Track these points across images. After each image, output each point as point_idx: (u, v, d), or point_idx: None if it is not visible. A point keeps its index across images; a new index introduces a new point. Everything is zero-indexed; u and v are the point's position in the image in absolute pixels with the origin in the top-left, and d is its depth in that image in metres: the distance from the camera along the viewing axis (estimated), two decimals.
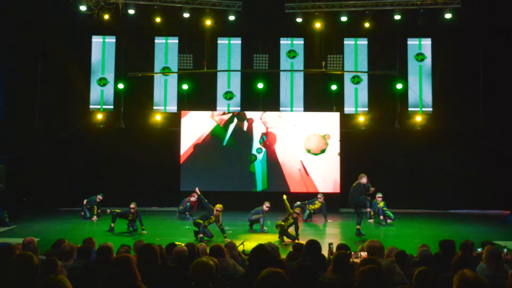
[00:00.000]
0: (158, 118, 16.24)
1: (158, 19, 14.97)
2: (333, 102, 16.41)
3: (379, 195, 13.34)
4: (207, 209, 11.02)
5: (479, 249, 6.33)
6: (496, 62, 15.64)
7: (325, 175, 15.93)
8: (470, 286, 3.05)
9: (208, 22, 15.18)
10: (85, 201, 13.94)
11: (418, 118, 16.01)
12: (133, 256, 3.66)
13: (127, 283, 3.14)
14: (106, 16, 13.94)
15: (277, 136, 16.16)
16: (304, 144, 16.10)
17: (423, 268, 3.68)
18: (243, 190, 15.90)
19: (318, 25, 15.14)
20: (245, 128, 16.20)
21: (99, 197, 13.84)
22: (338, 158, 15.92)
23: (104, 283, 3.18)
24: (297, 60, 16.50)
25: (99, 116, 16.17)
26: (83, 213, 13.91)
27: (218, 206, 10.95)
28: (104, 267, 4.67)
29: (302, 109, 16.46)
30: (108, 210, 13.16)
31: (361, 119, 16.14)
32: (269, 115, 16.22)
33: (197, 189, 11.60)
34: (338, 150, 15.96)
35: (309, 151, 16.08)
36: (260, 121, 16.18)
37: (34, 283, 3.45)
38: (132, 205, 11.68)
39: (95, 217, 13.55)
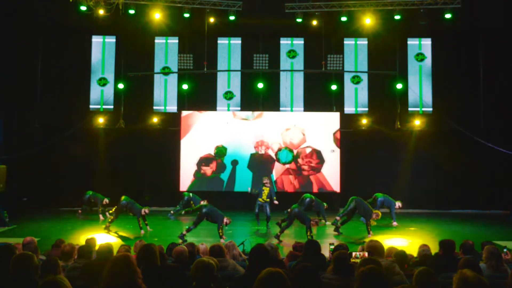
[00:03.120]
0: (158, 118, 16.24)
1: (158, 19, 14.97)
2: (333, 102, 16.42)
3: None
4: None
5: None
6: (496, 62, 15.65)
7: (325, 175, 15.91)
8: (470, 286, 3.05)
9: (208, 22, 15.17)
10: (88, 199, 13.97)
11: (418, 121, 16.01)
12: (134, 256, 3.66)
13: (127, 281, 3.14)
14: (106, 16, 13.93)
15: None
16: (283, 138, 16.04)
17: (423, 268, 3.67)
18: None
19: (318, 25, 15.12)
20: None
21: (106, 200, 13.77)
22: (338, 158, 15.90)
23: (105, 280, 3.18)
24: (297, 60, 16.50)
25: (99, 116, 16.17)
26: (80, 210, 13.95)
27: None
28: (104, 266, 4.67)
29: (302, 109, 16.46)
30: (108, 215, 13.28)
31: (361, 119, 16.15)
32: (292, 133, 16.09)
33: None
34: (335, 152, 15.96)
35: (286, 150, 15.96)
36: (280, 137, 16.12)
37: (34, 283, 3.45)
38: (146, 210, 11.76)
39: (101, 216, 13.60)
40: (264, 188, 12.62)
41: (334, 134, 15.96)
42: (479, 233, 11.43)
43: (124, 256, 3.27)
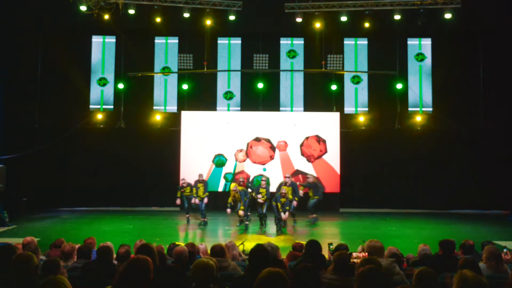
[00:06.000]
0: (158, 118, 16.24)
1: (158, 19, 14.93)
2: (333, 102, 16.42)
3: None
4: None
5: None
6: (496, 62, 15.65)
7: (325, 175, 15.90)
8: (469, 286, 3.05)
9: (208, 22, 15.15)
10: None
11: (418, 118, 16.03)
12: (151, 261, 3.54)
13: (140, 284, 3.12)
14: (106, 16, 13.92)
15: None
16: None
17: (423, 268, 3.68)
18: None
19: (318, 25, 15.10)
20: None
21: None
22: (338, 158, 15.90)
23: (119, 278, 3.15)
24: (297, 60, 16.50)
25: (99, 116, 16.17)
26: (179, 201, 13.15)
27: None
28: (107, 265, 4.67)
29: (302, 109, 16.46)
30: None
31: (361, 119, 16.15)
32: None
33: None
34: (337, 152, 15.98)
35: None
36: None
37: (34, 283, 3.45)
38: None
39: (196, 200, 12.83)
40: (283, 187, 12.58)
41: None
42: (479, 233, 11.41)
43: (144, 259, 3.24)
